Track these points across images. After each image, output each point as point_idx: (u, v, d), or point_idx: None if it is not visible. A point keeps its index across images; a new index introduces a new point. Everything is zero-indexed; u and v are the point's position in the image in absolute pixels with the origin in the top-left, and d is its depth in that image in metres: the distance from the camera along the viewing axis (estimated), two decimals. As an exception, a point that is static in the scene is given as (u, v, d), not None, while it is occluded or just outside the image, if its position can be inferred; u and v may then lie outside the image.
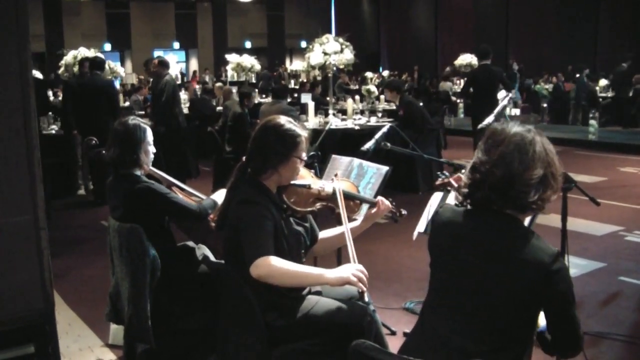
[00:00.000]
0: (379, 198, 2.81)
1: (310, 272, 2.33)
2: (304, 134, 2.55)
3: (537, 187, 1.79)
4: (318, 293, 2.64)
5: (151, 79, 9.53)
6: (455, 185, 2.96)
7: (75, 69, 8.98)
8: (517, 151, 1.80)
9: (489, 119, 3.31)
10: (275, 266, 2.26)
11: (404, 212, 2.81)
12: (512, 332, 1.81)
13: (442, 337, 1.87)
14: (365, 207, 2.87)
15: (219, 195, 3.18)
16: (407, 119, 7.90)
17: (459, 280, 1.87)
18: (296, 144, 2.50)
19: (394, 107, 8.81)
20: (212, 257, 2.69)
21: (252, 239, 2.31)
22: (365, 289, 2.26)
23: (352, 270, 2.28)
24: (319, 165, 3.46)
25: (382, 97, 13.03)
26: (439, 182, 3.07)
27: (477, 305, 1.82)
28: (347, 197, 2.71)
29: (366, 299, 2.29)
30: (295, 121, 2.60)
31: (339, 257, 3.64)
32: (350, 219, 2.69)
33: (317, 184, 2.67)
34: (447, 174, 3.10)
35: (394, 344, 3.08)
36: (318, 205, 2.65)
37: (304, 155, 2.55)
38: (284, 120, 2.55)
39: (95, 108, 7.36)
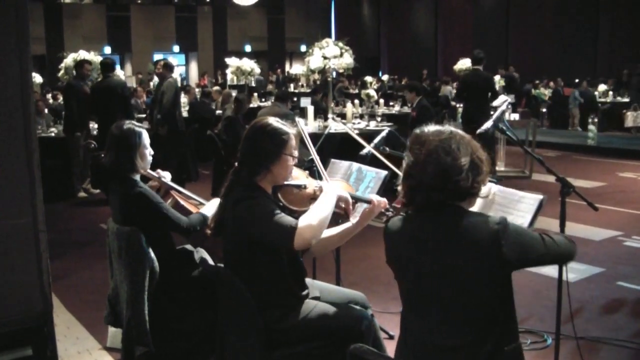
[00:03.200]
0: (372, 196, 2.81)
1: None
2: (292, 131, 2.57)
3: (468, 173, 1.90)
4: (316, 298, 2.65)
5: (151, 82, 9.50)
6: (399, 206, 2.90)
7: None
8: (440, 146, 1.91)
9: (488, 124, 3.30)
10: (312, 223, 2.34)
11: (397, 206, 2.81)
12: (493, 314, 1.85)
13: (424, 341, 1.90)
14: (361, 207, 2.87)
15: (209, 208, 3.17)
16: (417, 122, 8.03)
17: (426, 282, 1.91)
18: (285, 142, 2.53)
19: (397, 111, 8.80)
20: (210, 261, 2.70)
21: (273, 223, 2.33)
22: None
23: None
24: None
25: (381, 101, 13.05)
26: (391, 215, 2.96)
27: (450, 300, 1.86)
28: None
29: (352, 220, 2.51)
30: (284, 120, 2.62)
31: (337, 257, 3.65)
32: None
33: (312, 184, 2.68)
34: (391, 211, 2.95)
35: (392, 348, 3.06)
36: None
37: (295, 153, 2.57)
38: (271, 120, 2.58)
39: (111, 109, 7.47)
